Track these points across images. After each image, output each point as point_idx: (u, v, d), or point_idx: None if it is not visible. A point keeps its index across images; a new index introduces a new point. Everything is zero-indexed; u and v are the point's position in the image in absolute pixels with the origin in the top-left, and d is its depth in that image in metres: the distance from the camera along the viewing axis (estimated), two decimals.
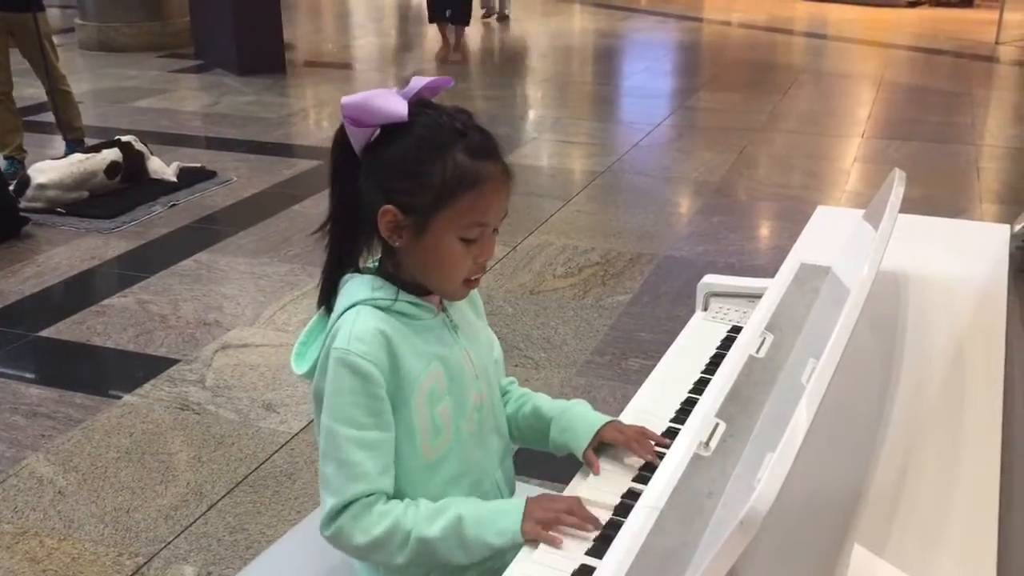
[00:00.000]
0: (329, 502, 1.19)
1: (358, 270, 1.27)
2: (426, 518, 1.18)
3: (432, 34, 9.51)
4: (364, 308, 1.21)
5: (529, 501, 1.18)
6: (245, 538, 2.34)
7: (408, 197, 1.17)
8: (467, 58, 8.89)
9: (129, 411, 2.91)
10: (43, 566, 2.25)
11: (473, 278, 1.24)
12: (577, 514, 1.15)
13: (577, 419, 1.36)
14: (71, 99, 5.55)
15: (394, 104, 1.16)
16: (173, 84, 7.91)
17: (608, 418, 1.35)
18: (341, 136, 1.21)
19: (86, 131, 5.64)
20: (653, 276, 3.88)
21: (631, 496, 1.20)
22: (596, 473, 1.27)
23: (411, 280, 1.25)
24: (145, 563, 2.26)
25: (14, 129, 5.37)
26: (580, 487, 1.25)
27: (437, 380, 1.24)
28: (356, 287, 1.24)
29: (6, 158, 5.32)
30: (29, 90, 6.15)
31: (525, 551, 1.13)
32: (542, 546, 1.13)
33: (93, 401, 2.97)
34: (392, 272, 1.25)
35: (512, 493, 1.40)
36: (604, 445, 1.32)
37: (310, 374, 1.26)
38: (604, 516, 1.16)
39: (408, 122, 1.16)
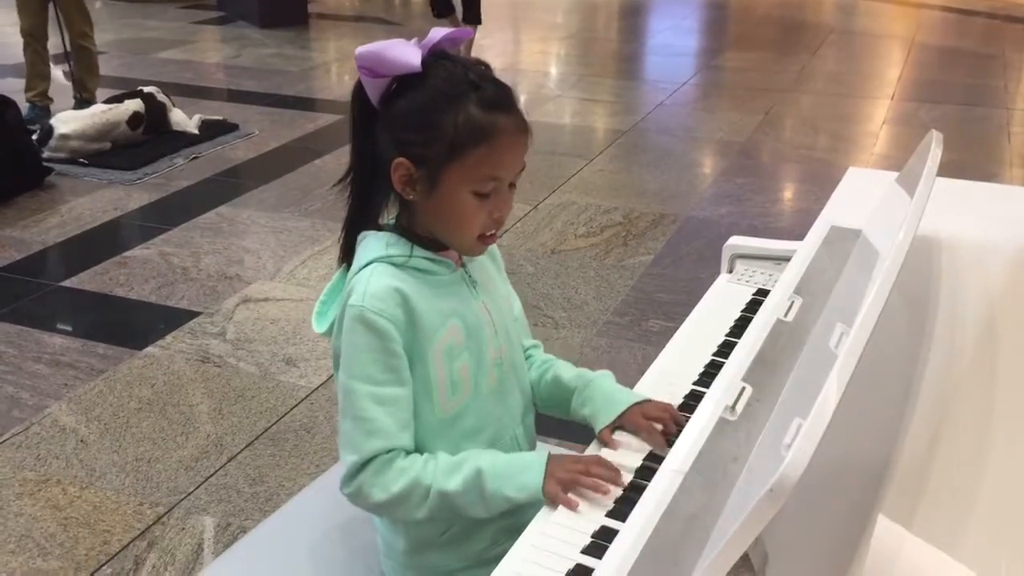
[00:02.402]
0: (349, 459, 1.18)
1: (378, 226, 1.26)
2: (445, 472, 1.18)
3: None
4: (379, 265, 1.20)
5: (552, 459, 1.17)
6: (265, 490, 2.36)
7: (420, 149, 1.16)
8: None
9: (151, 362, 2.93)
10: (65, 513, 2.28)
11: (489, 234, 1.22)
12: (597, 475, 1.14)
13: (598, 395, 1.32)
14: (92, 58, 5.48)
15: (408, 54, 1.14)
16: (195, 35, 7.87)
17: (633, 399, 1.29)
18: (360, 88, 1.19)
19: (109, 81, 5.62)
20: (675, 237, 3.84)
21: (654, 459, 1.19)
22: (613, 449, 1.24)
23: (427, 235, 1.23)
24: (166, 513, 2.28)
25: (40, 75, 5.39)
26: (601, 449, 1.24)
27: (455, 336, 1.23)
28: (372, 244, 1.23)
29: (28, 102, 5.33)
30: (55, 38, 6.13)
31: (544, 512, 1.12)
32: (561, 507, 1.12)
33: (115, 352, 2.99)
34: (407, 227, 1.24)
35: (533, 446, 1.39)
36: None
37: (329, 332, 1.25)
38: (625, 478, 1.15)
39: (422, 73, 1.15)
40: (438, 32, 1.18)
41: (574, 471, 1.15)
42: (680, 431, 1.22)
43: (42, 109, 5.38)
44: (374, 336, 1.16)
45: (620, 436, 1.25)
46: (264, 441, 2.55)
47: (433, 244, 1.24)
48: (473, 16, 6.51)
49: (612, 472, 1.15)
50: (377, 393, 1.17)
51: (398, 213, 1.25)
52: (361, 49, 1.15)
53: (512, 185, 1.21)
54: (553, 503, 1.13)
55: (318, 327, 1.28)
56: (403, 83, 1.16)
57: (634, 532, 1.01)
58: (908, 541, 0.96)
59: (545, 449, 1.38)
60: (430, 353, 1.21)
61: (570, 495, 1.13)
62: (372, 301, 1.16)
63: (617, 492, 1.13)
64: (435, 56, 1.17)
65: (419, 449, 1.22)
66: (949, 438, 1.11)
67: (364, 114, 1.20)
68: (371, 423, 1.17)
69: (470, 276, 1.28)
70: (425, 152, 1.15)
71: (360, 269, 1.20)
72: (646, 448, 1.22)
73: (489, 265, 1.35)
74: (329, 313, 1.27)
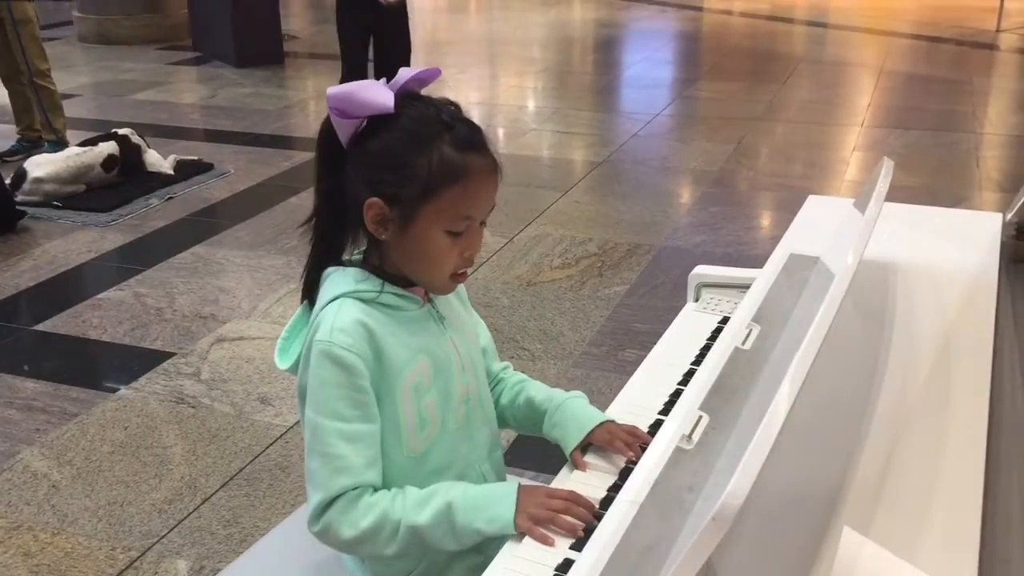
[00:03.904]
0: (315, 497, 1.18)
1: (341, 263, 1.26)
2: (414, 505, 1.17)
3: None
4: (347, 300, 1.20)
5: (522, 492, 1.16)
6: (239, 531, 2.34)
7: (394, 189, 1.16)
8: None
9: (124, 405, 2.91)
10: (36, 560, 2.25)
11: (460, 272, 1.23)
12: (573, 514, 1.13)
13: (569, 418, 1.34)
14: (53, 96, 5.48)
15: (380, 95, 1.15)
16: (171, 76, 7.90)
17: (600, 418, 1.33)
18: (327, 128, 1.20)
19: (84, 123, 5.62)
20: (651, 267, 3.86)
21: (617, 490, 1.19)
22: (583, 471, 1.26)
23: (396, 273, 1.23)
24: (139, 557, 2.25)
25: (24, 109, 5.50)
26: (567, 480, 1.24)
27: (423, 373, 1.23)
28: (339, 280, 1.23)
29: (19, 135, 5.55)
30: None
31: (510, 545, 1.12)
32: (527, 539, 1.12)
33: (88, 395, 2.96)
34: (378, 265, 1.24)
35: (502, 480, 1.39)
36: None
37: (294, 368, 1.25)
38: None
39: (394, 114, 1.15)
40: (407, 72, 1.19)
41: (550, 508, 1.14)
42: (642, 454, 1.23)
43: (30, 142, 5.51)
44: (342, 372, 1.16)
45: (593, 456, 1.27)
46: (239, 481, 2.53)
47: (401, 280, 1.24)
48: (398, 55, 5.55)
49: (586, 512, 1.14)
50: (345, 430, 1.17)
51: (365, 250, 1.26)
52: (333, 90, 1.15)
53: (482, 223, 1.22)
54: (528, 535, 1.12)
55: (281, 363, 1.27)
56: (374, 123, 1.16)
57: (589, 564, 1.01)
58: (868, 548, 0.97)
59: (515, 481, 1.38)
60: (398, 390, 1.21)
61: (544, 531, 1.12)
62: (340, 336, 1.16)
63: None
64: (405, 96, 1.18)
65: (386, 486, 1.21)
66: (905, 454, 1.12)
67: (331, 154, 1.21)
68: (339, 460, 1.16)
69: (438, 312, 1.29)
70: (399, 192, 1.16)
71: (326, 304, 1.20)
72: (615, 471, 1.23)
73: (454, 300, 1.35)
74: (292, 349, 1.27)
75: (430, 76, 1.22)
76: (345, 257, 1.28)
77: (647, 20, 10.94)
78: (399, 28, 5.29)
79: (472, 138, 1.18)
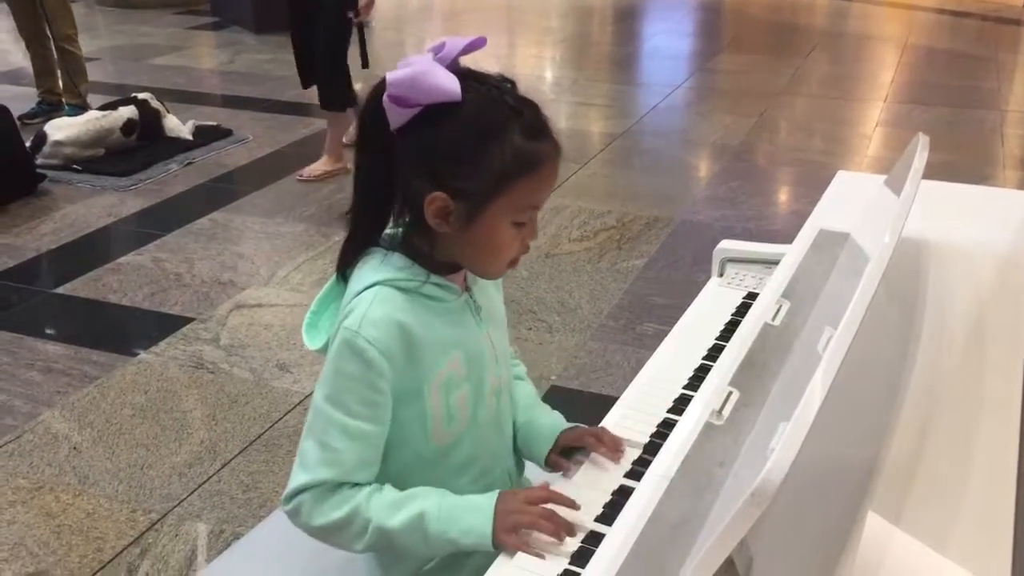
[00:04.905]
0: (300, 477, 1.13)
1: (381, 245, 1.19)
2: (388, 507, 1.12)
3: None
4: (384, 289, 1.13)
5: (499, 500, 1.11)
6: (258, 496, 2.36)
7: (461, 183, 1.08)
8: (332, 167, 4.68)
9: (144, 369, 2.93)
10: (58, 520, 2.27)
11: (516, 258, 1.17)
12: (553, 519, 1.08)
13: (531, 436, 1.31)
14: (78, 61, 5.50)
15: (447, 83, 1.06)
16: (189, 41, 7.87)
17: (565, 425, 1.30)
18: (374, 107, 1.10)
19: (103, 87, 5.62)
20: (669, 240, 3.85)
21: (642, 463, 1.19)
22: (566, 473, 1.22)
23: (448, 261, 1.17)
24: (159, 519, 2.28)
25: (47, 71, 5.52)
26: (574, 475, 1.21)
27: (456, 367, 1.18)
28: (380, 264, 1.16)
29: (39, 97, 5.55)
30: None
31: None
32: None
33: (108, 358, 2.98)
34: (427, 252, 1.16)
35: (522, 473, 1.37)
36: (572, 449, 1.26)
37: (325, 349, 1.18)
38: (616, 481, 1.15)
39: (459, 101, 1.06)
40: (455, 45, 1.10)
41: (532, 515, 1.09)
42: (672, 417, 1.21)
43: (50, 105, 5.51)
44: (360, 365, 1.11)
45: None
46: (257, 447, 2.55)
47: (444, 267, 1.17)
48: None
49: (569, 508, 1.10)
50: (348, 424, 1.12)
51: (409, 233, 1.17)
52: (393, 76, 1.06)
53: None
54: (511, 553, 1.06)
55: (311, 343, 1.21)
56: (435, 110, 1.07)
57: (620, 537, 1.01)
58: (896, 537, 0.96)
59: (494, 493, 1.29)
60: (426, 386, 1.16)
61: (527, 540, 1.07)
62: (368, 328, 1.10)
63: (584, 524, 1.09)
64: (463, 76, 1.09)
65: (404, 480, 1.17)
66: (937, 436, 1.11)
67: (379, 134, 1.11)
68: (333, 453, 1.12)
69: (475, 302, 1.23)
70: (467, 186, 1.08)
71: (363, 290, 1.14)
72: (639, 445, 1.22)
73: (490, 286, 1.29)
74: (321, 325, 1.22)
75: (478, 45, 1.12)
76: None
77: None
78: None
79: (539, 123, 1.11)
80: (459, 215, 1.10)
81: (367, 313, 1.11)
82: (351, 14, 4.20)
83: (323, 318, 1.22)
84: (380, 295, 1.13)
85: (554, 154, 1.12)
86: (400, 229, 1.18)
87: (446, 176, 1.09)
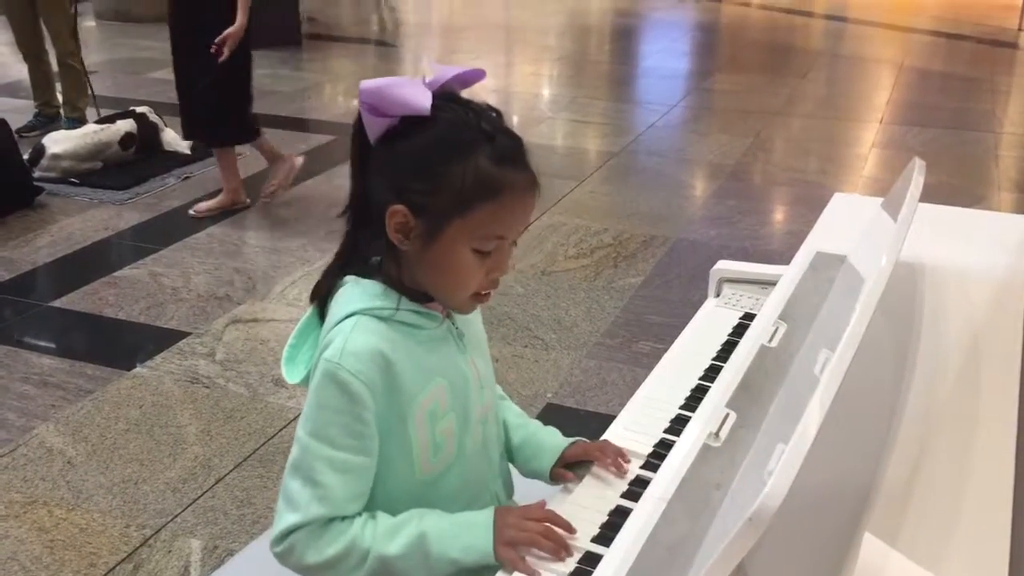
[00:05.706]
0: (288, 518, 1.10)
1: (365, 270, 1.17)
2: (385, 534, 1.10)
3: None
4: (363, 319, 1.11)
5: (498, 516, 1.11)
6: (252, 512, 2.35)
7: (421, 198, 1.07)
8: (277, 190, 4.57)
9: (139, 383, 2.92)
10: (51, 535, 2.26)
11: (484, 292, 1.14)
12: (552, 537, 1.08)
13: (534, 452, 1.31)
14: (78, 77, 5.51)
15: (417, 95, 1.05)
16: None
17: (567, 440, 1.29)
18: (360, 123, 1.11)
19: (101, 101, 5.62)
20: (665, 259, 3.86)
21: (639, 483, 1.19)
22: (568, 486, 1.22)
23: (414, 286, 1.15)
24: (152, 535, 2.27)
25: (44, 84, 5.55)
26: (571, 493, 1.21)
27: (439, 397, 1.16)
28: (355, 293, 1.14)
29: (36, 109, 5.58)
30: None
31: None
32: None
33: (104, 372, 2.98)
34: (396, 276, 1.14)
35: (511, 496, 1.35)
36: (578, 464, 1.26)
37: (305, 382, 1.15)
38: (613, 501, 1.15)
39: (430, 116, 1.06)
40: (447, 71, 1.10)
41: (530, 532, 1.08)
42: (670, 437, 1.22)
43: (47, 117, 5.55)
44: (344, 398, 1.08)
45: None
46: (252, 462, 2.54)
47: (420, 296, 1.15)
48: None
49: (566, 536, 1.09)
50: (335, 458, 1.09)
51: (382, 260, 1.16)
52: (366, 84, 1.06)
53: (514, 243, 1.13)
54: (509, 569, 1.06)
55: (290, 377, 1.18)
56: (408, 124, 1.07)
57: (617, 559, 1.01)
58: (893, 559, 0.96)
59: (525, 493, 1.33)
60: (411, 416, 1.13)
61: (528, 560, 1.06)
62: (350, 360, 1.08)
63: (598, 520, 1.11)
64: (444, 97, 1.08)
65: (396, 509, 1.15)
66: (933, 458, 1.12)
67: (366, 151, 1.11)
68: (322, 489, 1.09)
69: (457, 329, 1.20)
70: (427, 202, 1.07)
71: (341, 320, 1.12)
72: (641, 456, 1.21)
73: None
74: (299, 358, 1.19)
75: (474, 77, 1.11)
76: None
77: (665, 11, 10.89)
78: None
79: (512, 151, 1.09)
80: (419, 232, 1.09)
81: (347, 344, 1.09)
82: (212, 48, 3.95)
83: (301, 351, 1.19)
84: (359, 324, 1.11)
85: (524, 186, 1.09)
86: (379, 257, 1.17)
87: (407, 190, 1.08)
